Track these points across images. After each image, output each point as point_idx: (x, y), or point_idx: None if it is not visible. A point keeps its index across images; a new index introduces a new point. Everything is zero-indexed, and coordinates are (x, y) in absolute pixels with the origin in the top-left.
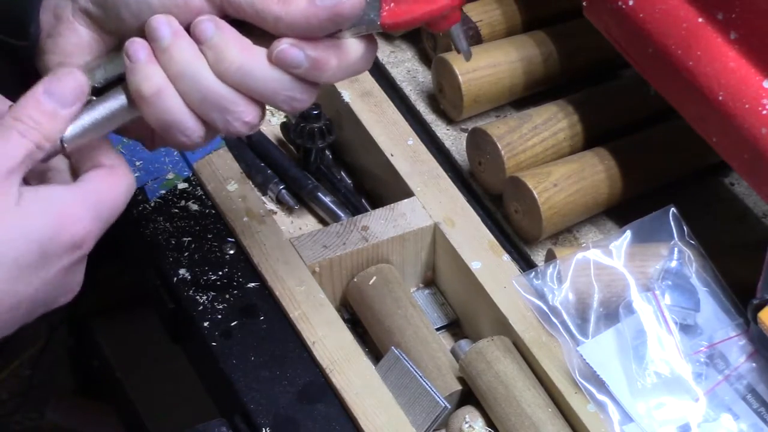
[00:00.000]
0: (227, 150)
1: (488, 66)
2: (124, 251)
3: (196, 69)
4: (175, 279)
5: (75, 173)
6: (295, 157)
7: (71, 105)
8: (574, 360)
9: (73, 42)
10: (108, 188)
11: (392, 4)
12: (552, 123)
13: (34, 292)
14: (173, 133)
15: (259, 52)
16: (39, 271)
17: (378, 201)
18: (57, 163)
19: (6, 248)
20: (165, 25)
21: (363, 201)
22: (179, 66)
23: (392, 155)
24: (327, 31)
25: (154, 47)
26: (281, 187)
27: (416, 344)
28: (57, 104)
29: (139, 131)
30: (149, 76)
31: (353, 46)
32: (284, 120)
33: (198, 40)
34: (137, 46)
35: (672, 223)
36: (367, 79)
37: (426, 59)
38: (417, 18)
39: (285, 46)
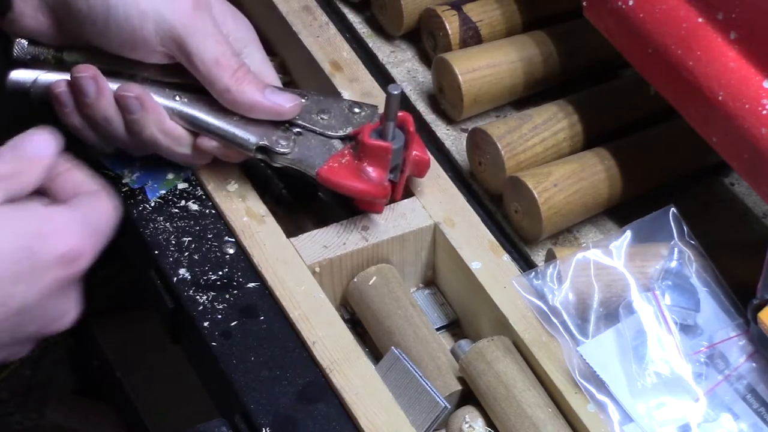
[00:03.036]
0: None
1: (488, 66)
2: (124, 251)
3: (113, 126)
4: (175, 279)
5: None
6: None
7: (45, 154)
8: (574, 360)
9: (31, 25)
10: (94, 207)
11: (336, 165)
12: (552, 123)
13: (22, 300)
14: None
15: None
16: (27, 275)
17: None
18: (42, 203)
19: None
20: (91, 83)
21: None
22: (99, 118)
23: None
24: (262, 118)
25: (79, 99)
26: (281, 187)
27: (416, 344)
28: (31, 150)
29: None
30: (73, 119)
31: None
32: None
33: (122, 108)
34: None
35: (672, 223)
36: (367, 79)
37: (426, 59)
38: (346, 188)
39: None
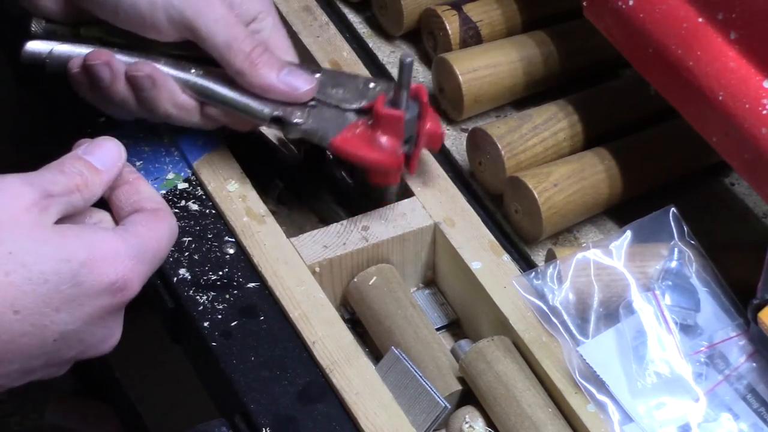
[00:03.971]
0: (227, 150)
1: (488, 66)
2: None
3: (129, 103)
4: (175, 279)
5: (117, 221)
6: (296, 156)
7: (112, 168)
8: (574, 360)
9: (48, 5)
10: (150, 231)
11: (350, 135)
12: (552, 123)
13: (63, 329)
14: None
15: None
16: (71, 302)
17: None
18: (100, 217)
19: (34, 260)
20: (105, 70)
21: (363, 201)
22: (115, 98)
23: None
24: (276, 98)
25: (94, 82)
26: (281, 187)
27: (416, 344)
28: (98, 162)
29: None
30: (88, 95)
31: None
32: None
33: (134, 87)
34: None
35: (672, 223)
36: None
37: (426, 59)
38: (359, 158)
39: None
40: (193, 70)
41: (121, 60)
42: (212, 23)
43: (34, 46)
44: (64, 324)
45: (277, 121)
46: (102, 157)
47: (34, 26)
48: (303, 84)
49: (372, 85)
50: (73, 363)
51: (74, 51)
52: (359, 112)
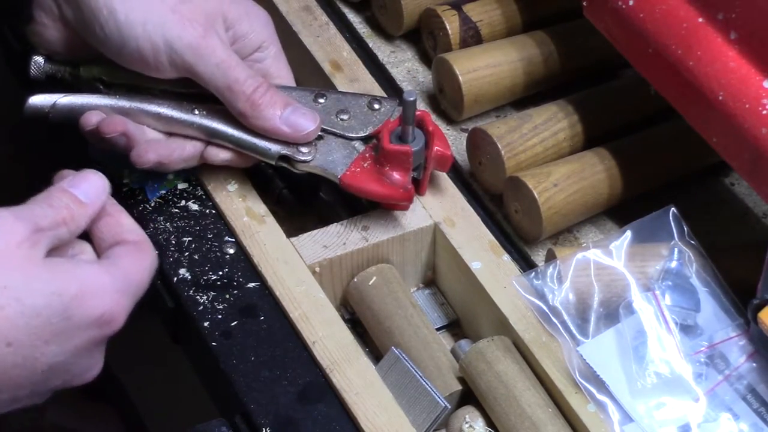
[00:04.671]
0: None
1: (488, 66)
2: None
3: None
4: (175, 279)
5: (99, 253)
6: None
7: (96, 199)
8: (574, 360)
9: (53, 35)
10: (133, 264)
11: (358, 170)
12: (552, 123)
13: (52, 360)
14: None
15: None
16: (60, 335)
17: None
18: (81, 248)
19: (27, 294)
20: (122, 139)
21: (363, 201)
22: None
23: None
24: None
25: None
26: (281, 187)
27: (416, 344)
28: (82, 195)
29: None
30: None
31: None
32: None
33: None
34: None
35: (672, 223)
36: (367, 79)
37: (426, 59)
38: (370, 194)
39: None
40: (197, 111)
41: (124, 106)
42: (212, 68)
43: (37, 100)
44: (53, 356)
45: (285, 159)
46: (86, 190)
47: (33, 68)
48: (307, 124)
49: (376, 106)
50: (52, 392)
51: (77, 102)
52: (365, 139)
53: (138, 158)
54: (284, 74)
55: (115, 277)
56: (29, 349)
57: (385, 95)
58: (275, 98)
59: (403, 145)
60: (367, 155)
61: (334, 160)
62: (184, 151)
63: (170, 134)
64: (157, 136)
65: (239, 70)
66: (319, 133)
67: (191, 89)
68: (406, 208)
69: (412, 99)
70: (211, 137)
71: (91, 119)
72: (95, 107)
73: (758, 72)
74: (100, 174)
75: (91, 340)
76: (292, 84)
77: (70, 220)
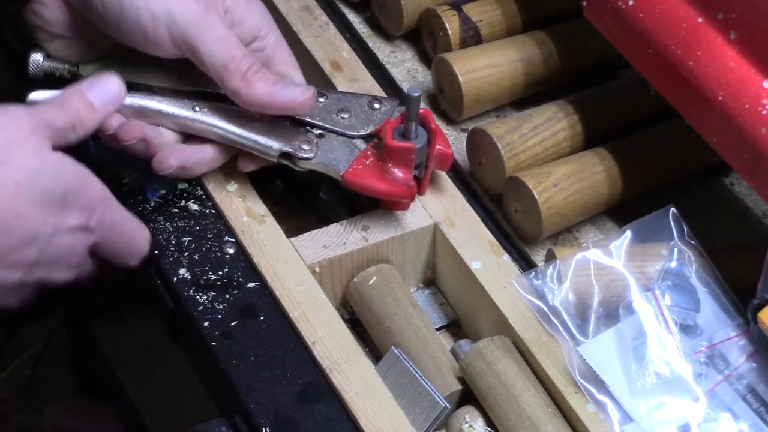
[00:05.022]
0: None
1: (488, 66)
2: None
3: None
4: (175, 279)
5: None
6: None
7: (108, 105)
8: (574, 360)
9: (53, 15)
10: (125, 214)
11: (360, 167)
12: (552, 123)
13: (48, 237)
14: None
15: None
16: (57, 216)
17: (378, 201)
18: None
19: (39, 176)
20: (141, 145)
21: (363, 201)
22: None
23: None
24: (278, 114)
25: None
26: (281, 187)
27: (416, 344)
28: (96, 100)
29: None
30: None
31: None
32: None
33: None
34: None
35: (672, 223)
36: (367, 79)
37: (426, 59)
38: (372, 191)
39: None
40: (197, 108)
41: (124, 103)
42: (211, 43)
43: (37, 96)
44: (48, 236)
45: (286, 157)
46: (101, 93)
47: (31, 66)
48: (299, 94)
49: (377, 105)
50: (31, 292)
51: None
52: (366, 137)
53: (160, 165)
54: (287, 59)
55: (105, 188)
56: (33, 225)
57: (385, 95)
58: (267, 75)
59: (407, 142)
60: (369, 153)
61: (335, 158)
62: (204, 154)
63: (187, 137)
64: (174, 139)
65: (237, 49)
66: (320, 132)
67: (192, 86)
68: (406, 207)
69: (416, 95)
70: (213, 135)
71: (111, 123)
72: None
73: (758, 72)
74: (119, 80)
75: (76, 227)
76: (297, 69)
77: (78, 125)
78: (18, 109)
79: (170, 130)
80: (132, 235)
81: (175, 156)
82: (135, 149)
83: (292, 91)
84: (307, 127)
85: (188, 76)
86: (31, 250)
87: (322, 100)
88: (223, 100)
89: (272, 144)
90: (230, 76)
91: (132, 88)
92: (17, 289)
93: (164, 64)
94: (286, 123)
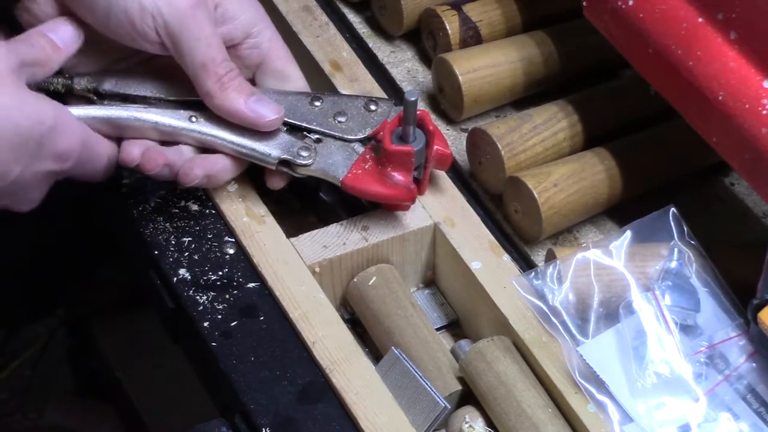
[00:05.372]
0: None
1: (488, 66)
2: (124, 251)
3: None
4: (175, 279)
5: None
6: None
7: (70, 45)
8: (574, 360)
9: (45, 12)
10: (101, 141)
11: (360, 171)
12: (552, 123)
13: (17, 175)
14: None
15: None
16: (29, 159)
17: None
18: None
19: (17, 114)
20: (166, 170)
21: (363, 201)
22: None
23: None
24: (243, 125)
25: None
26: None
27: (416, 344)
28: (58, 39)
29: None
30: None
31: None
32: None
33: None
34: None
35: (672, 223)
36: (367, 79)
37: (426, 59)
38: (373, 195)
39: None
40: (194, 119)
41: (120, 117)
42: (194, 41)
43: None
44: (17, 174)
45: (285, 164)
46: (63, 36)
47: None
48: (270, 113)
49: (373, 107)
50: None
51: (72, 113)
52: (364, 140)
53: (186, 177)
54: (283, 55)
55: (82, 128)
56: (4, 160)
57: (382, 96)
58: (243, 85)
59: (405, 146)
60: (367, 156)
61: (334, 163)
62: (226, 161)
63: (202, 150)
64: (193, 154)
65: (218, 50)
66: (318, 137)
67: (186, 96)
68: (407, 209)
69: (413, 99)
70: (210, 144)
71: (132, 154)
72: (90, 119)
73: (758, 72)
74: (73, 21)
75: (47, 172)
76: (293, 64)
77: (46, 62)
78: None
79: (188, 145)
80: (103, 165)
81: (199, 166)
82: (161, 175)
83: (263, 108)
84: (305, 133)
85: (183, 86)
86: None
87: (317, 104)
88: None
89: (271, 152)
90: (207, 77)
91: (127, 100)
92: None
93: (158, 75)
94: (284, 129)
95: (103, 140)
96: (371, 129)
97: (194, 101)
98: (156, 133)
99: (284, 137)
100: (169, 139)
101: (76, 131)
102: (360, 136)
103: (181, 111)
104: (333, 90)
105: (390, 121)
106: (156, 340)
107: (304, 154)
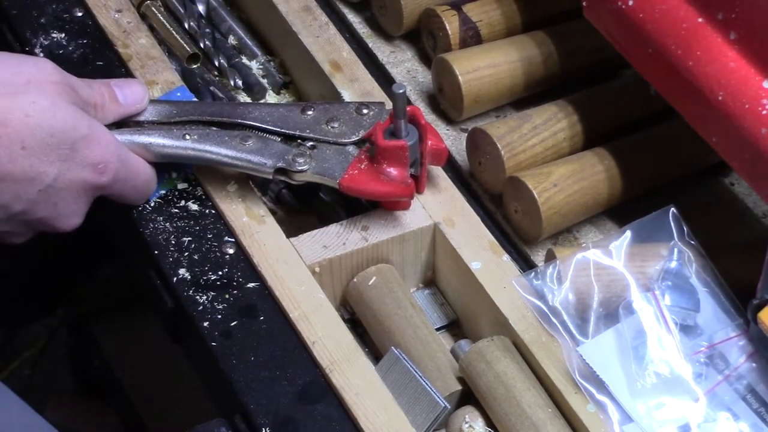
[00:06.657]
0: None
1: (488, 66)
2: (124, 251)
3: None
4: (175, 279)
5: None
6: None
7: (131, 105)
8: (574, 360)
9: None
10: (137, 159)
11: (356, 172)
12: (552, 123)
13: (52, 179)
14: None
15: None
16: (63, 163)
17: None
18: None
19: (51, 116)
20: None
21: (363, 201)
22: None
23: None
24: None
25: None
26: (281, 186)
27: (416, 344)
28: (121, 95)
29: None
30: None
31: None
32: None
33: None
34: None
35: (672, 223)
36: (367, 79)
37: (426, 59)
38: (371, 194)
39: None
40: (188, 137)
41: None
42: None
43: None
44: (52, 178)
45: (282, 172)
46: (127, 93)
47: None
48: (135, 89)
49: (365, 111)
50: (34, 232)
51: None
52: (358, 143)
53: None
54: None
55: (118, 145)
56: (37, 161)
57: (380, 98)
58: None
59: (398, 140)
60: (362, 157)
61: (330, 167)
62: None
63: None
64: None
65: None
66: (312, 143)
67: (178, 117)
68: (407, 207)
69: (401, 91)
70: (208, 160)
71: None
72: None
73: (758, 72)
74: (144, 86)
75: (84, 182)
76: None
77: (100, 108)
78: (48, 62)
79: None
80: (142, 184)
81: None
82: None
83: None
84: (299, 141)
85: (174, 106)
86: (32, 188)
87: (310, 112)
88: (211, 126)
89: (266, 161)
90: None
91: (121, 125)
92: (15, 226)
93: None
94: (278, 139)
95: (140, 159)
96: (364, 131)
97: (185, 120)
98: (150, 153)
99: (279, 146)
100: (164, 159)
101: (111, 144)
102: (354, 138)
103: (174, 130)
104: (333, 90)
105: (383, 122)
106: (156, 340)
107: (300, 160)
